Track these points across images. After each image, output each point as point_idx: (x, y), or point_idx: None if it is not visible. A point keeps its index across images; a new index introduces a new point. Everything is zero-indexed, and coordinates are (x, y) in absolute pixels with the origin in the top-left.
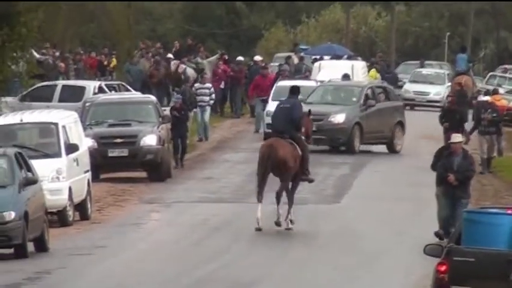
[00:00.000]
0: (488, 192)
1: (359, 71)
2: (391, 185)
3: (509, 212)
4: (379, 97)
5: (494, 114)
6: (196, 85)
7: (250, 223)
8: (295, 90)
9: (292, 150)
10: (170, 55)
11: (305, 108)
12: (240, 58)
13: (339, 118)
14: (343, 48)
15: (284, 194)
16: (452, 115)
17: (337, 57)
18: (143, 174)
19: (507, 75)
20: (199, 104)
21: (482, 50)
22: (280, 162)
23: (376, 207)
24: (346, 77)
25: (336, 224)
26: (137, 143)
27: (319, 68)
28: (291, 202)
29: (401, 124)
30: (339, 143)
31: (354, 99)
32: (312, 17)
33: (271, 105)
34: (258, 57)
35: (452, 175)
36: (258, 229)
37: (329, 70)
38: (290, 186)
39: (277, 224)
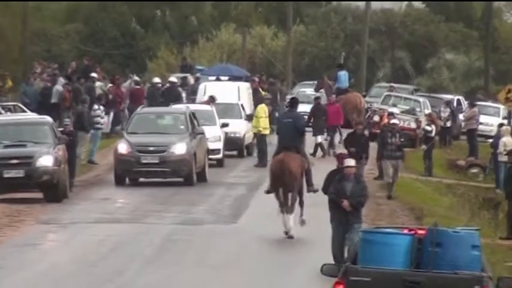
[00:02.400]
0: (384, 212)
1: (244, 92)
2: None
3: (404, 231)
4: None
5: (403, 139)
6: (95, 107)
7: (146, 244)
8: (294, 103)
9: (301, 164)
10: (94, 74)
11: None
12: (136, 78)
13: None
14: (240, 69)
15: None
16: (358, 139)
17: (234, 78)
18: (39, 194)
19: (402, 95)
20: (96, 126)
21: (380, 70)
22: (290, 175)
23: (273, 228)
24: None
25: (232, 245)
26: (33, 163)
27: (205, 90)
28: (302, 208)
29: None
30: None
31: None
32: (205, 37)
33: None
34: (156, 79)
35: (346, 201)
36: (290, 237)
37: (215, 92)
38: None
39: (287, 233)
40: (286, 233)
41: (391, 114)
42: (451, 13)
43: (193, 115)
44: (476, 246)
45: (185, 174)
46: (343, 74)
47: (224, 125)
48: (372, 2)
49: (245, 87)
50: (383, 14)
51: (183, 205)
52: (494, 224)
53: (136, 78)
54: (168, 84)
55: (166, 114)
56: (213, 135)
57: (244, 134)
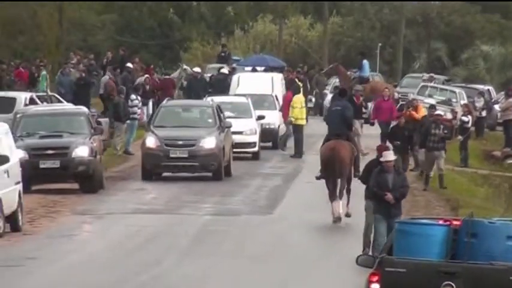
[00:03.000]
0: (420, 203)
1: (278, 83)
2: (323, 196)
3: (440, 222)
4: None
5: (446, 131)
6: (132, 96)
7: (182, 234)
8: (343, 92)
9: (351, 151)
10: (130, 64)
11: None
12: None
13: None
14: (276, 59)
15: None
16: (402, 132)
17: (270, 68)
18: (75, 185)
19: (438, 85)
20: (133, 116)
21: (416, 61)
22: (341, 162)
23: (309, 218)
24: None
25: (268, 235)
26: (69, 154)
27: (238, 82)
28: (348, 196)
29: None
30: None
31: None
32: (241, 28)
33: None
34: (197, 69)
35: (389, 194)
36: (338, 219)
37: (249, 83)
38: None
39: (339, 219)
40: (335, 221)
41: (432, 107)
42: (488, 4)
43: (219, 108)
44: None
45: (214, 169)
46: (367, 63)
47: (260, 118)
48: None
49: (279, 78)
50: (420, 4)
51: (218, 196)
52: None
53: (186, 67)
54: (215, 74)
55: (193, 107)
56: (249, 128)
57: (279, 126)
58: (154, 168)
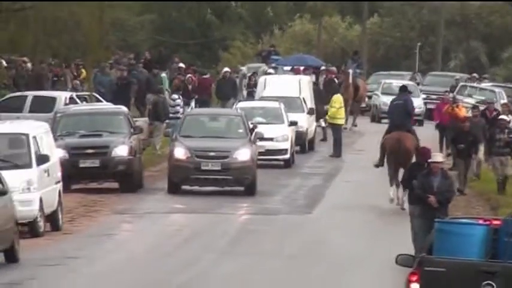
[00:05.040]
0: (460, 202)
1: (306, 86)
2: (362, 196)
3: (480, 222)
4: None
5: (511, 135)
6: (174, 96)
7: (221, 234)
8: (404, 88)
9: (414, 141)
10: (181, 64)
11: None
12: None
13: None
14: (315, 59)
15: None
16: (465, 136)
17: (312, 68)
18: (115, 184)
19: (476, 85)
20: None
21: (452, 61)
22: (407, 153)
23: (348, 218)
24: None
25: (307, 235)
26: (108, 153)
27: (265, 84)
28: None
29: None
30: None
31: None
32: (278, 28)
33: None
34: (226, 69)
35: (432, 197)
36: (403, 209)
37: (275, 86)
38: None
39: (401, 207)
40: (391, 202)
41: (475, 108)
42: None
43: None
44: None
45: (248, 183)
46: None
47: (293, 123)
48: None
49: (306, 80)
50: (458, 4)
51: (257, 195)
52: None
53: (242, 68)
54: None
55: (220, 116)
56: (281, 134)
57: (307, 129)
58: (183, 182)
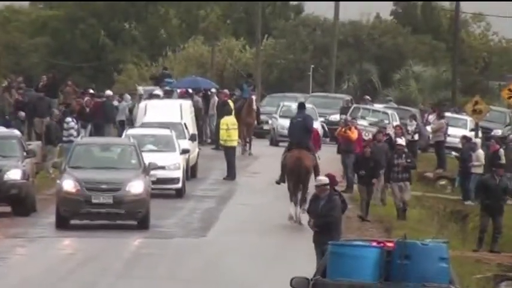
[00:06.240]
0: (353, 224)
1: (187, 110)
2: (257, 218)
3: (373, 244)
4: None
5: (409, 160)
6: (68, 119)
7: (115, 258)
8: (302, 105)
9: (313, 160)
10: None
11: None
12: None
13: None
14: (209, 81)
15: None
16: (367, 162)
17: (204, 90)
18: (7, 208)
19: (369, 107)
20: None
21: (345, 82)
22: (307, 171)
23: (243, 241)
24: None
25: (202, 258)
26: (1, 177)
27: (146, 109)
28: (304, 201)
29: None
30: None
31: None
32: (172, 50)
33: None
34: (108, 92)
35: (313, 221)
36: (300, 224)
37: (156, 111)
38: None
39: (299, 222)
40: (290, 220)
41: (379, 132)
42: (419, 25)
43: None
44: (445, 258)
45: (141, 217)
46: (246, 87)
47: (185, 151)
48: (340, 14)
49: (187, 105)
50: (351, 26)
51: (152, 218)
52: (462, 237)
53: (139, 87)
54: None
55: (112, 145)
56: (173, 163)
57: (189, 155)
58: (72, 216)
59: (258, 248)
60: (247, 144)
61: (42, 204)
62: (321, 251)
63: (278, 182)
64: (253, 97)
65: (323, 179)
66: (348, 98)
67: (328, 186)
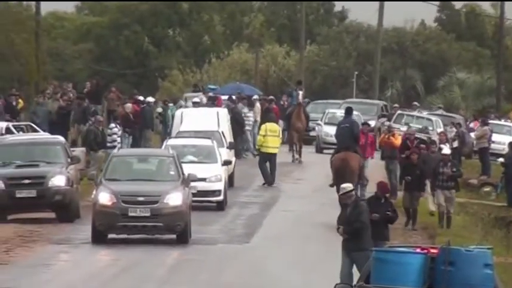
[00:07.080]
0: (397, 231)
1: (224, 118)
2: (300, 225)
3: (417, 250)
4: None
5: (455, 169)
6: (111, 125)
7: (159, 263)
8: (350, 110)
9: (359, 161)
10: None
11: None
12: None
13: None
14: (252, 88)
15: None
16: (413, 169)
17: (247, 97)
18: (52, 214)
19: (414, 113)
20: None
21: (388, 89)
22: (351, 171)
23: (286, 247)
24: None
25: (245, 265)
26: (45, 183)
27: (182, 118)
28: None
29: None
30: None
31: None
32: (215, 56)
33: None
34: (150, 98)
35: (341, 228)
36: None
37: (193, 119)
38: None
39: None
40: None
41: (416, 138)
42: (463, 32)
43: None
44: (489, 264)
45: (180, 230)
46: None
47: (226, 163)
48: (384, 21)
49: (224, 113)
50: (395, 32)
51: (195, 224)
52: (506, 243)
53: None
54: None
55: (150, 157)
56: (214, 174)
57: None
58: (108, 230)
59: (300, 255)
60: (297, 151)
61: (86, 211)
62: (349, 258)
63: (332, 185)
64: (301, 100)
65: (347, 186)
66: (382, 104)
67: (353, 193)
